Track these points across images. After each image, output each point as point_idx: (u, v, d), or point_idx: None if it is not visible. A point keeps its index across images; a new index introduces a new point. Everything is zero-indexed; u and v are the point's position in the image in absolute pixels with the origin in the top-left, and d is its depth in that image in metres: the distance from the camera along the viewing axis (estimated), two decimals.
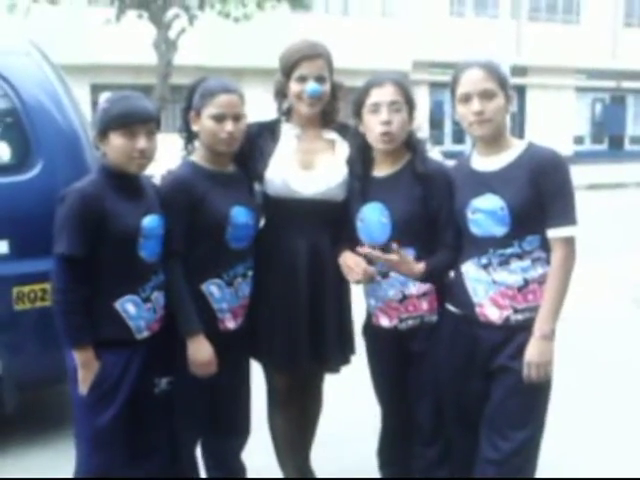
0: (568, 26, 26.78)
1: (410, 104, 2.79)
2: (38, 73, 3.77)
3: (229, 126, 2.75)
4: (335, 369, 3.07)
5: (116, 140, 2.57)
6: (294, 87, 2.89)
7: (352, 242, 2.84)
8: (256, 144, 2.96)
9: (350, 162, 2.93)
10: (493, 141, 2.62)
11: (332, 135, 3.01)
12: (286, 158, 2.92)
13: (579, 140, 27.82)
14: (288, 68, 2.90)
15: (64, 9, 15.46)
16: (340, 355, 3.02)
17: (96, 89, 16.34)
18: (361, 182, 2.86)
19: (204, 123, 2.78)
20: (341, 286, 2.96)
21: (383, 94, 2.73)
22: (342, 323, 3.01)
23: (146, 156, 2.62)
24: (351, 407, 4.06)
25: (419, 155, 2.82)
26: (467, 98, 2.58)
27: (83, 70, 17.21)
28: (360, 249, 2.70)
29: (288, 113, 3.02)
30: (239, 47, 19.57)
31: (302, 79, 2.87)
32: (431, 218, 2.76)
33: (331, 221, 2.94)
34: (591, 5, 26.99)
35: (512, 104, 2.63)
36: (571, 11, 27.22)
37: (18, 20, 13.86)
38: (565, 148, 12.95)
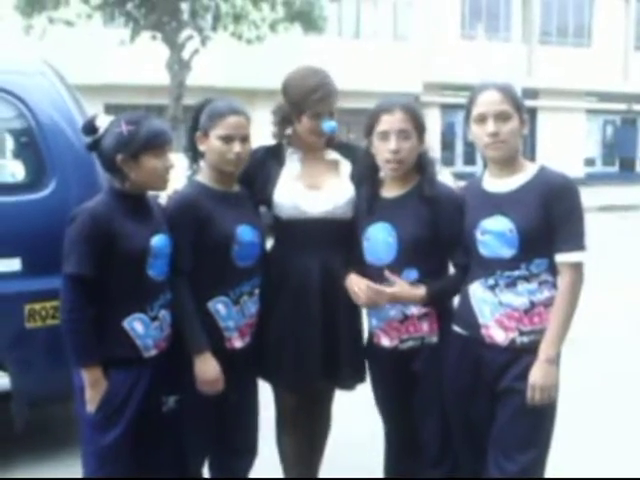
0: (579, 49, 26.88)
1: (420, 128, 2.80)
2: (53, 93, 3.82)
3: (237, 147, 2.78)
4: (350, 387, 3.07)
5: (150, 162, 2.61)
6: (309, 123, 2.92)
7: (359, 262, 2.87)
8: (262, 169, 3.01)
9: (357, 181, 2.96)
10: (506, 163, 2.64)
11: (333, 155, 3.06)
12: (292, 181, 2.96)
13: (590, 162, 27.81)
14: (301, 104, 2.92)
15: (80, 30, 15.61)
16: (354, 373, 3.02)
17: (109, 109, 16.50)
18: (369, 202, 2.88)
19: (212, 143, 2.81)
20: (353, 305, 2.96)
21: (392, 122, 2.75)
22: (356, 341, 3.02)
23: (169, 174, 2.68)
24: (355, 420, 4.05)
25: (428, 178, 2.83)
26: (483, 119, 2.59)
27: (97, 90, 17.37)
28: (365, 285, 2.76)
29: (288, 137, 3.06)
30: (251, 69, 19.71)
31: (317, 116, 2.90)
32: (436, 241, 2.78)
33: (341, 239, 2.96)
34: (602, 28, 27.09)
35: (525, 127, 2.65)
36: (582, 34, 27.33)
37: (34, 41, 14.04)
38: (576, 170, 12.97)
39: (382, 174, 2.89)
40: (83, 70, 15.63)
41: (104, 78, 18.84)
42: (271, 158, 3.04)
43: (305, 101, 2.91)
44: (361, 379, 3.05)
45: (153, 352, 2.68)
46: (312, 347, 2.90)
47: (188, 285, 2.75)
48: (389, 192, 2.88)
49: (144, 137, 2.59)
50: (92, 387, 2.58)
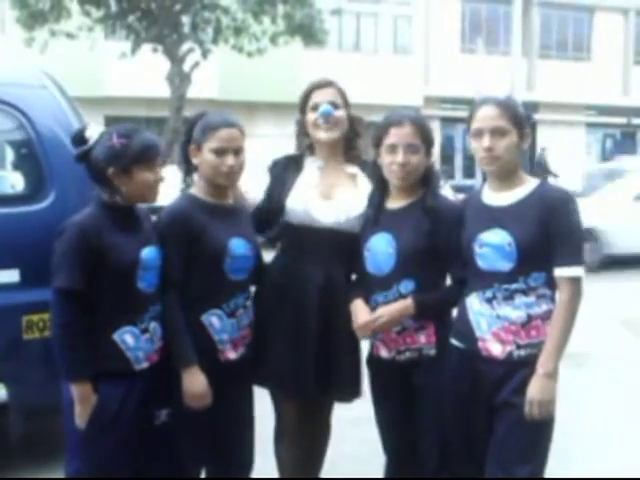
0: (579, 63, 26.96)
1: (428, 143, 2.83)
2: (53, 105, 3.84)
3: (230, 160, 2.78)
4: (347, 399, 3.07)
5: (141, 175, 2.61)
6: (309, 116, 2.99)
7: (360, 273, 2.92)
8: (281, 176, 3.07)
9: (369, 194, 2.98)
10: (505, 177, 2.65)
11: (354, 169, 3.08)
12: (307, 187, 2.99)
13: None
14: (302, 102, 3.04)
15: (81, 43, 15.67)
16: (350, 387, 3.03)
17: (110, 121, 16.54)
18: (375, 212, 2.90)
19: (205, 157, 2.81)
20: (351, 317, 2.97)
21: (401, 135, 2.77)
22: (352, 354, 3.03)
23: (159, 187, 2.69)
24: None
25: (431, 190, 2.86)
26: (479, 134, 2.62)
27: (98, 102, 17.43)
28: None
29: (311, 149, 3.09)
30: (252, 81, 19.77)
31: (315, 107, 2.97)
32: (435, 253, 2.79)
33: (346, 252, 2.97)
34: (602, 42, 27.18)
35: (526, 142, 2.66)
36: (582, 48, 27.43)
37: (36, 53, 14.09)
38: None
39: (390, 186, 2.91)
40: (84, 83, 15.70)
41: (105, 90, 18.93)
42: (291, 165, 3.09)
43: (303, 97, 3.03)
44: (357, 393, 3.06)
45: (144, 365, 2.67)
46: (307, 356, 2.91)
47: (178, 298, 2.74)
48: (393, 203, 2.90)
49: (136, 150, 2.58)
50: (81, 402, 2.55)
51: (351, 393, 3.05)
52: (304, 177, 3.02)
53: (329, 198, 2.98)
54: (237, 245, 2.82)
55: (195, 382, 2.71)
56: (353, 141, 3.10)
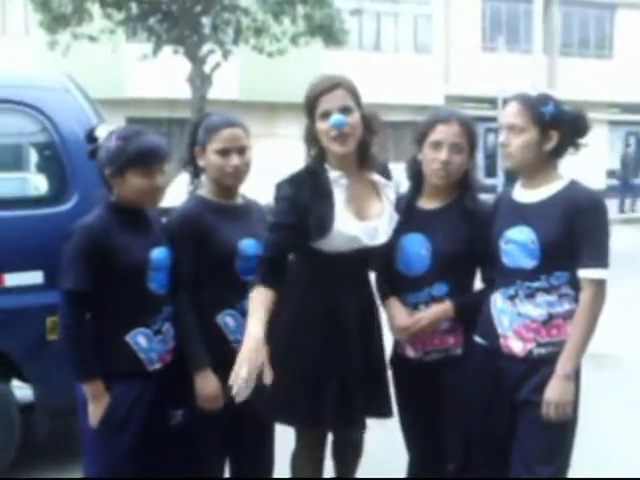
0: (601, 61, 26.73)
1: (472, 144, 2.80)
2: (76, 108, 3.87)
3: (234, 160, 2.77)
4: (388, 414, 2.94)
5: (134, 179, 2.59)
6: (321, 126, 2.67)
7: (388, 271, 2.88)
8: (312, 200, 2.70)
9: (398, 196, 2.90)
10: (530, 174, 2.64)
11: (374, 176, 2.84)
12: (344, 213, 2.70)
13: (612, 174, 27.55)
14: (310, 108, 2.71)
15: (103, 45, 15.78)
16: (387, 404, 2.93)
17: (132, 123, 16.63)
18: (407, 210, 2.86)
19: (210, 158, 2.80)
20: (381, 332, 2.94)
21: (447, 133, 2.74)
22: (385, 370, 2.95)
23: (161, 192, 2.67)
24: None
25: (471, 192, 2.83)
26: (501, 129, 2.64)
27: (119, 104, 17.54)
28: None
29: (321, 156, 2.77)
30: (273, 82, 19.81)
31: (326, 115, 2.65)
32: (471, 256, 2.78)
33: (368, 266, 2.91)
34: (624, 39, 26.93)
35: (550, 142, 2.59)
36: (604, 46, 27.20)
37: (58, 56, 14.20)
38: (598, 182, 12.85)
39: (424, 184, 2.88)
40: (106, 85, 15.80)
41: (126, 92, 19.05)
42: (317, 188, 2.72)
43: (310, 103, 2.70)
44: (391, 410, 2.94)
45: (157, 365, 2.68)
46: (355, 384, 2.76)
47: (190, 300, 2.73)
48: (426, 204, 2.87)
49: (130, 154, 2.57)
50: (94, 401, 2.58)
51: (387, 411, 2.93)
52: (337, 200, 2.71)
53: (365, 217, 2.75)
54: (247, 245, 2.80)
55: (208, 385, 2.71)
56: (367, 142, 2.79)
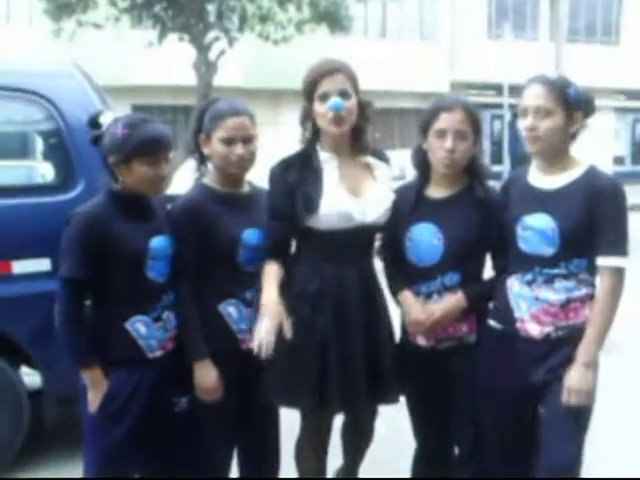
0: (607, 47, 26.57)
1: (477, 130, 2.78)
2: (81, 95, 3.87)
3: (239, 149, 2.74)
4: (395, 400, 2.90)
5: (140, 168, 2.58)
6: (318, 108, 2.73)
7: (399, 262, 2.86)
8: (298, 181, 2.77)
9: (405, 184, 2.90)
10: (551, 159, 2.61)
11: (368, 158, 2.89)
12: (335, 189, 2.76)
13: (619, 161, 27.46)
14: (309, 89, 2.75)
15: (108, 33, 15.76)
16: (397, 385, 2.88)
17: (137, 109, 16.60)
18: (415, 200, 2.84)
19: (214, 146, 2.78)
20: (388, 312, 2.93)
21: (451, 120, 2.71)
22: (393, 351, 2.92)
23: (165, 181, 2.66)
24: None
25: (480, 180, 2.81)
26: (525, 112, 2.57)
27: (125, 91, 17.49)
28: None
29: (315, 138, 2.84)
30: (278, 69, 19.73)
31: (324, 97, 2.71)
32: (483, 245, 2.77)
33: (371, 245, 2.92)
34: (630, 26, 26.74)
35: (575, 125, 2.57)
36: (610, 32, 27.02)
37: (63, 44, 14.19)
38: (605, 168, 12.76)
39: (431, 172, 2.86)
40: (111, 72, 15.77)
41: (132, 79, 19.00)
42: (304, 167, 2.81)
43: (310, 85, 2.75)
44: (399, 394, 2.91)
45: (158, 353, 2.68)
46: (357, 365, 2.75)
47: (191, 289, 2.72)
48: (435, 192, 2.84)
49: (136, 143, 2.55)
50: (92, 388, 2.59)
51: (399, 392, 2.90)
52: (327, 179, 2.77)
53: (358, 194, 2.78)
54: (251, 235, 2.78)
55: (206, 376, 2.71)
56: (361, 127, 2.85)
